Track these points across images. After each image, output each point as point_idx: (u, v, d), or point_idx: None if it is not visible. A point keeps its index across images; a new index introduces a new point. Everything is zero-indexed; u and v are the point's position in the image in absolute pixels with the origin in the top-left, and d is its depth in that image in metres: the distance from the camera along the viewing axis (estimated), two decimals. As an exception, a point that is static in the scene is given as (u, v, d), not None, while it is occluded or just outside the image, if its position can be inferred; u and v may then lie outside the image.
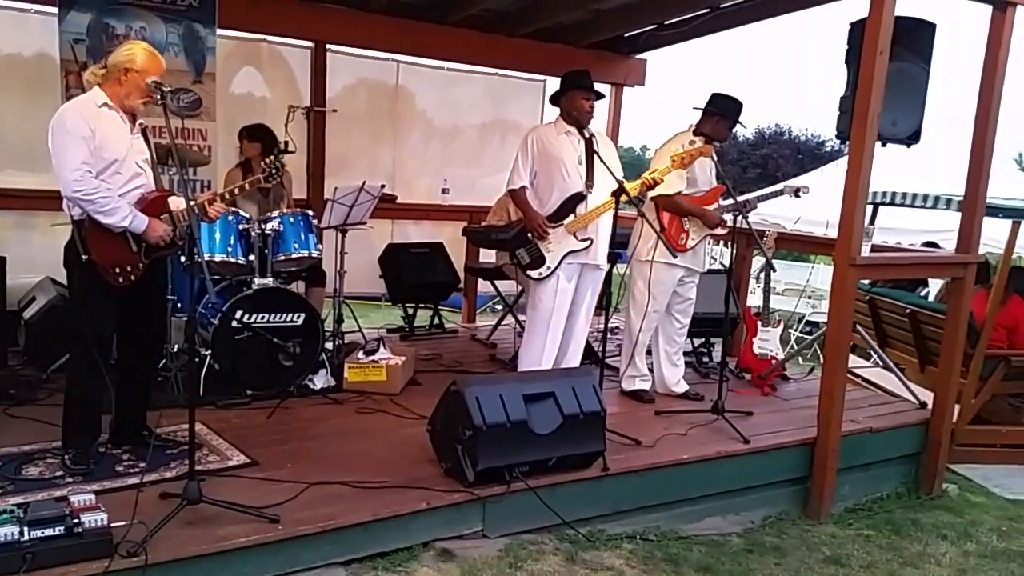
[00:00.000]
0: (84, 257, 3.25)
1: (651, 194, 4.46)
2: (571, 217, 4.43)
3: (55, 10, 4.98)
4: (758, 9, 5.97)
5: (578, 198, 4.43)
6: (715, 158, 4.67)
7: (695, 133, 4.73)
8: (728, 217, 4.84)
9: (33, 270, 4.90)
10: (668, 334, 5.03)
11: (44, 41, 5.17)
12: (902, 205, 7.78)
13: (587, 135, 4.46)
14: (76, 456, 3.36)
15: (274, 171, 3.88)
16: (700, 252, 4.92)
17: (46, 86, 5.11)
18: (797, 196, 5.07)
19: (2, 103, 5.35)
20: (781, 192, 5.26)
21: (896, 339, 6.17)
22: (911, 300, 6.07)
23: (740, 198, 4.83)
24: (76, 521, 2.63)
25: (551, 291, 4.47)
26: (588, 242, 4.43)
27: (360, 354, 4.90)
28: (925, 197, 8.98)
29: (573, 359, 4.64)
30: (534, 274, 4.48)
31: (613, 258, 4.27)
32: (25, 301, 4.93)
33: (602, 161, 4.29)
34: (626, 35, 7.06)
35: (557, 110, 4.58)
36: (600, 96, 4.55)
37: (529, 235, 4.47)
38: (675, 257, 4.54)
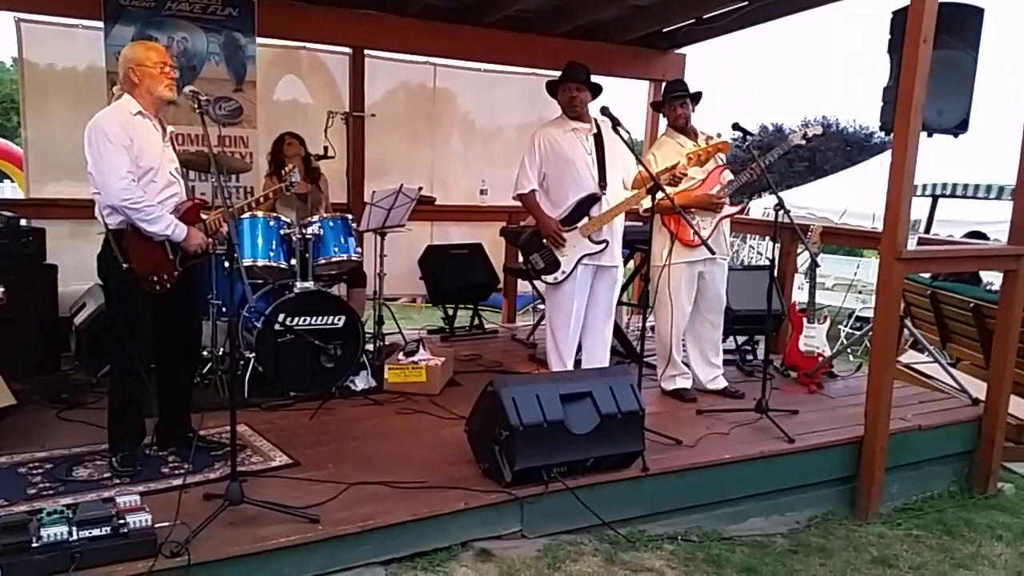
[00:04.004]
0: (124, 266, 3.32)
1: (645, 203, 4.28)
2: (585, 220, 4.35)
3: (101, 24, 5.13)
4: (798, 0, 5.86)
5: (592, 199, 4.34)
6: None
7: (669, 127, 4.81)
8: (728, 199, 4.75)
9: (83, 277, 5.02)
10: (701, 332, 4.96)
11: (94, 55, 5.31)
12: (950, 196, 7.58)
13: (595, 130, 4.38)
14: (123, 459, 3.44)
15: (291, 183, 4.07)
16: (718, 239, 4.76)
17: (95, 98, 5.25)
18: (808, 141, 4.77)
19: (54, 116, 5.52)
20: (789, 147, 4.82)
21: (960, 334, 5.99)
22: (975, 294, 5.87)
23: (744, 177, 4.71)
24: (122, 522, 2.69)
25: (569, 294, 4.40)
26: (604, 244, 4.35)
27: (400, 355, 4.94)
28: (977, 187, 8.76)
29: (602, 360, 4.58)
30: (549, 279, 4.41)
31: (647, 256, 4.21)
32: (76, 307, 5.07)
33: (640, 161, 4.22)
34: (664, 30, 6.99)
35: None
36: (594, 88, 4.41)
37: (544, 240, 4.40)
38: (689, 252, 4.52)
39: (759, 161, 4.54)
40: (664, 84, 5.00)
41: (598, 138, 4.39)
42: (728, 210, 4.78)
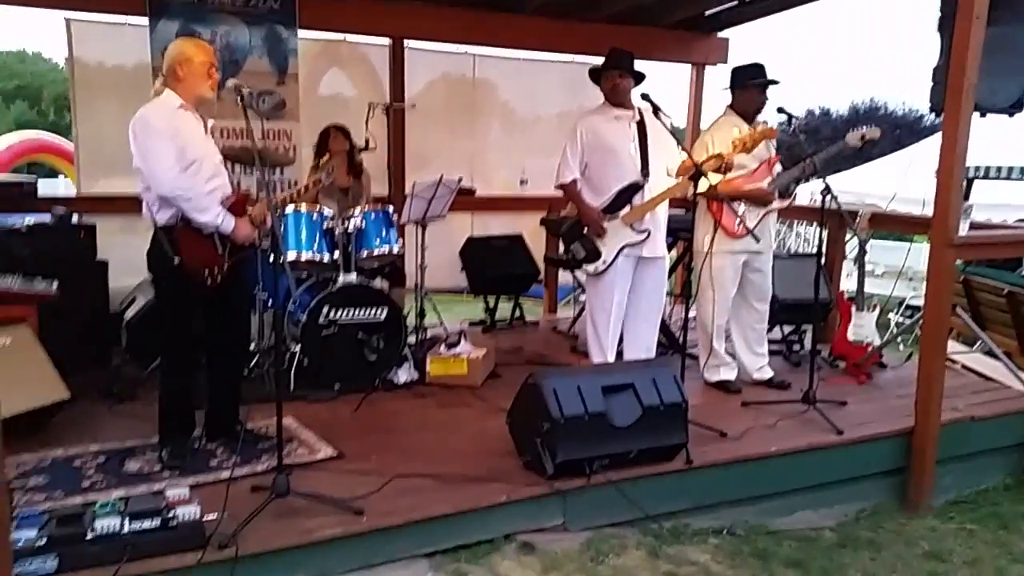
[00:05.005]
0: (176, 260, 3.38)
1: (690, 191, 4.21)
2: (627, 208, 4.30)
3: (147, 21, 5.21)
4: (845, -21, 5.71)
5: (635, 188, 4.28)
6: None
7: (731, 109, 4.66)
8: (776, 191, 4.63)
9: (133, 273, 5.10)
10: (746, 322, 4.88)
11: (141, 52, 5.38)
12: (1002, 178, 7.32)
13: (638, 118, 4.31)
14: (172, 452, 3.51)
15: (328, 172, 4.14)
16: (764, 230, 4.65)
17: (143, 94, 5.29)
18: (864, 143, 4.54)
19: (104, 112, 5.60)
20: (844, 147, 4.59)
21: (993, 321, 5.82)
22: (1009, 280, 5.71)
23: (795, 172, 4.60)
24: (171, 515, 2.76)
25: (610, 284, 4.36)
26: (646, 233, 4.29)
27: (442, 347, 4.96)
28: (1011, 170, 8.46)
29: (649, 354, 4.52)
30: (590, 268, 4.37)
31: (690, 244, 4.14)
32: (126, 302, 5.17)
33: (684, 148, 4.16)
34: (706, 13, 6.87)
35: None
36: (637, 75, 4.35)
37: (585, 230, 4.35)
38: (733, 243, 4.42)
39: (813, 160, 4.44)
40: (737, 67, 4.76)
41: (641, 126, 4.33)
42: (777, 204, 4.68)
